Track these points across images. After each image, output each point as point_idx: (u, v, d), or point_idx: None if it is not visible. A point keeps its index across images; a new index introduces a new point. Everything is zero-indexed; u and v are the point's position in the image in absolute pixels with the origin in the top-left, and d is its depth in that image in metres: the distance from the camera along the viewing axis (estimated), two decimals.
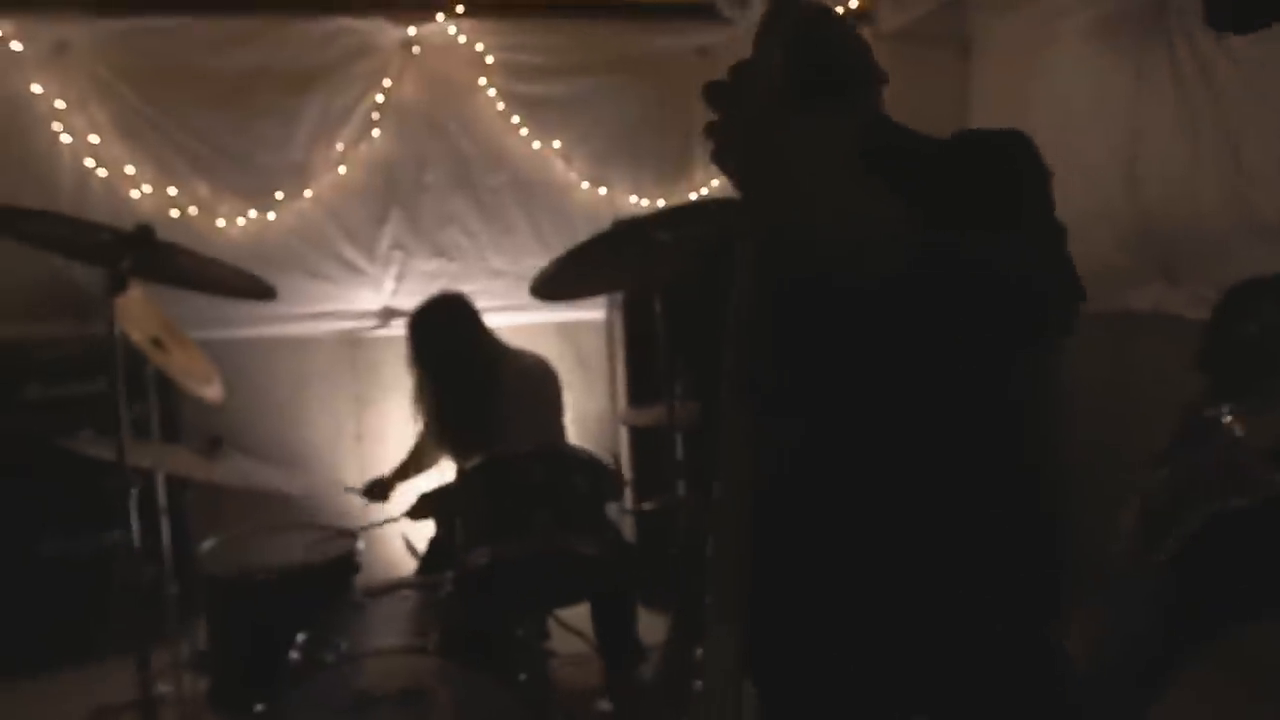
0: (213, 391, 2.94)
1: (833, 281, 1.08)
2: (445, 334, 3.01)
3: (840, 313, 1.15)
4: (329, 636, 2.18)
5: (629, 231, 2.24)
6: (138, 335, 2.64)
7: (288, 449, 4.11)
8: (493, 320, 4.03)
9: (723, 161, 1.04)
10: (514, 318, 3.79)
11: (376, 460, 4.20)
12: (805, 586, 1.23)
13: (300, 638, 2.29)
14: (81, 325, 3.90)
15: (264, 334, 4.07)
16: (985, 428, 1.24)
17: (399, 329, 4.14)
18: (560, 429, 3.01)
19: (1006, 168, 1.26)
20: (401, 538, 4.06)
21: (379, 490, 3.16)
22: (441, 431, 3.02)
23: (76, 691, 3.31)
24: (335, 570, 2.72)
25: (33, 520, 3.51)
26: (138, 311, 2.81)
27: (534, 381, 3.02)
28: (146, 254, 1.86)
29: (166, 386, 3.37)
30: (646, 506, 2.21)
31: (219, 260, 2.16)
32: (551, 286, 2.48)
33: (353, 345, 4.19)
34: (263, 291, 2.05)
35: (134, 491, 1.91)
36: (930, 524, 1.22)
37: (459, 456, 2.98)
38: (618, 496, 2.24)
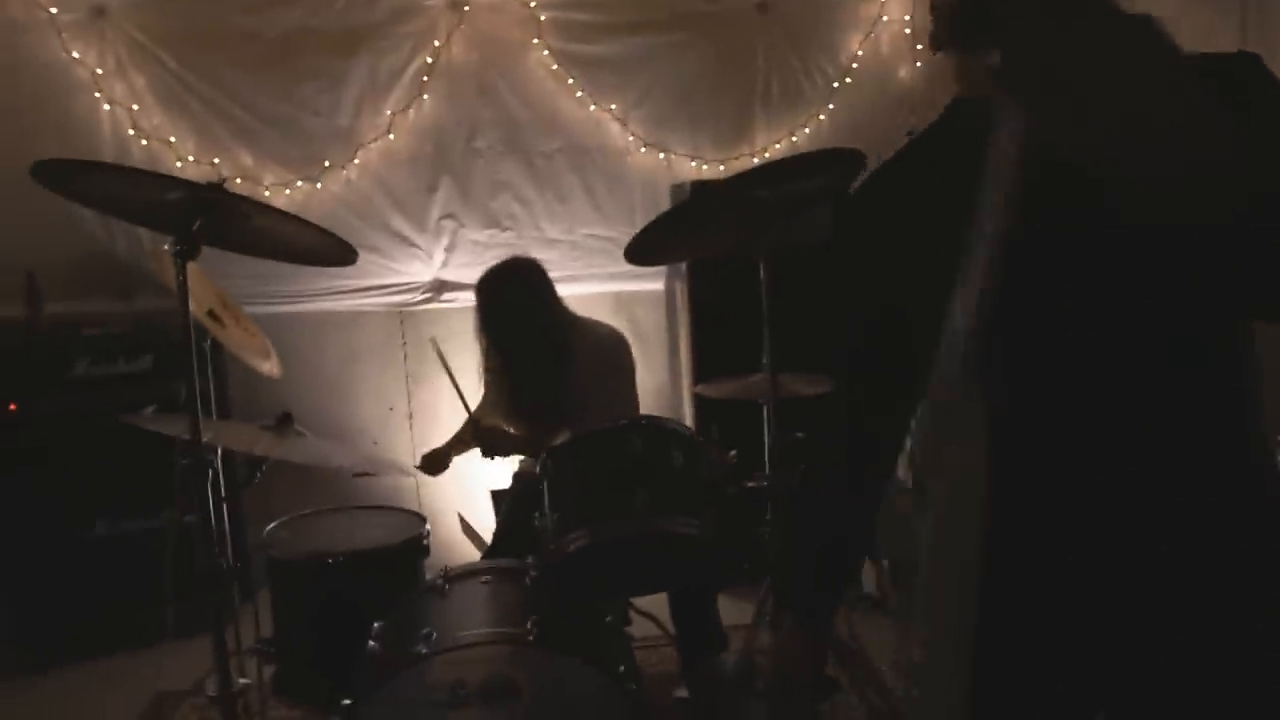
0: (270, 366, 2.80)
1: (1120, 228, 0.88)
2: (518, 300, 2.83)
3: (1114, 264, 0.95)
4: (409, 625, 2.04)
5: (730, 188, 2.06)
6: (194, 308, 2.50)
7: (336, 427, 3.98)
8: None
9: (999, 44, 0.75)
10: (569, 289, 3.59)
11: (428, 439, 4.05)
12: (1039, 578, 1.06)
13: (377, 625, 2.15)
14: (127, 303, 3.80)
15: (310, 309, 3.93)
16: (1225, 406, 1.05)
17: (450, 302, 4.02)
18: (635, 402, 2.85)
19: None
20: (458, 518, 3.94)
21: (435, 463, 3.01)
22: (510, 403, 2.85)
23: (134, 676, 3.21)
24: (405, 553, 2.59)
25: (86, 501, 3.40)
26: (193, 283, 2.66)
27: (608, 352, 2.85)
28: (219, 214, 1.69)
29: (214, 363, 3.25)
30: (751, 485, 2.04)
31: (301, 219, 1.91)
32: (648, 250, 2.29)
33: (402, 319, 4.04)
34: (346, 255, 1.88)
35: (211, 472, 1.76)
36: (1166, 513, 1.04)
37: (529, 429, 2.83)
38: (719, 473, 2.07)
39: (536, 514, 2.42)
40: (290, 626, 2.57)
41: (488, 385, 2.95)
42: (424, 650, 1.75)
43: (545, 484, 2.06)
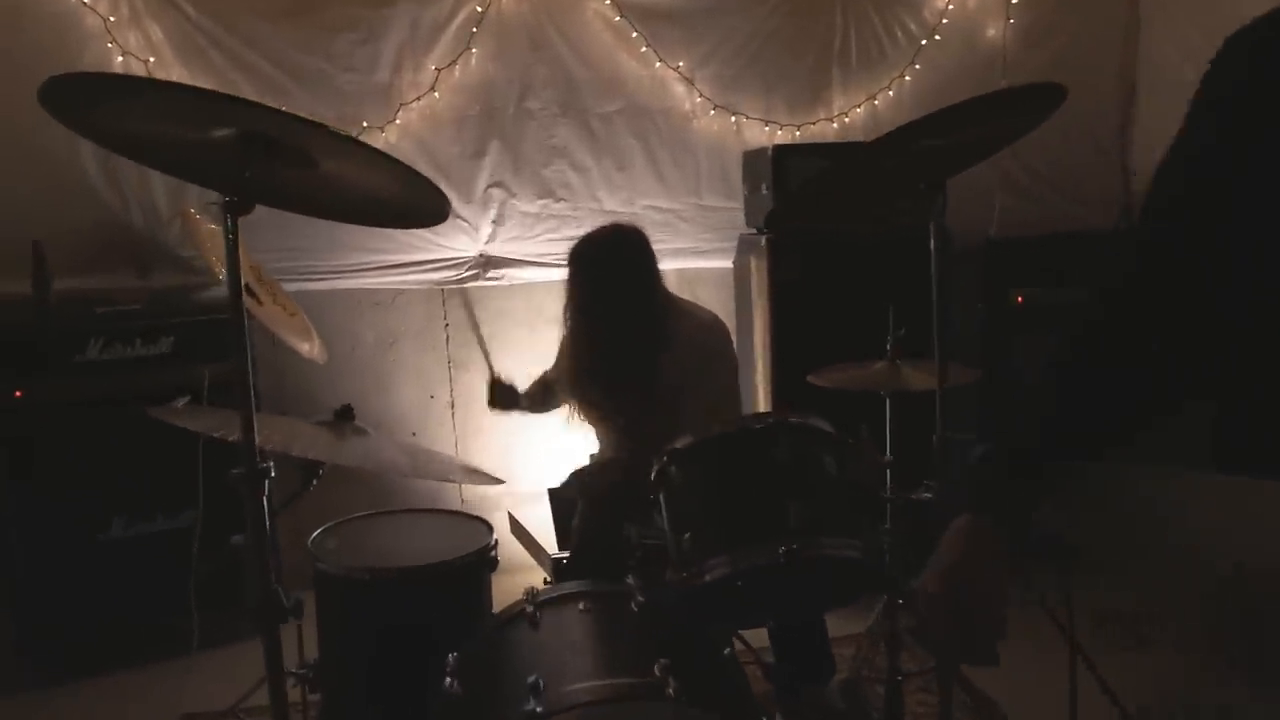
0: (311, 348, 2.44)
1: None
2: (625, 269, 2.47)
3: None
4: (499, 664, 1.69)
5: (896, 138, 1.69)
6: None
7: (372, 416, 3.63)
8: None
9: None
10: None
11: (470, 429, 3.72)
12: None
13: (454, 659, 1.79)
14: (143, 279, 3.44)
15: (343, 286, 3.58)
16: None
17: (497, 280, 3.65)
18: (738, 395, 2.50)
19: None
20: (508, 517, 3.59)
21: (504, 396, 2.78)
22: (602, 388, 2.48)
23: (155, 694, 2.89)
24: (472, 568, 2.23)
25: (99, 499, 3.06)
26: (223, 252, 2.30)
27: (710, 336, 2.52)
28: (279, 156, 1.32)
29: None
30: (917, 496, 1.66)
31: (388, 156, 1.41)
32: (795, 210, 1.92)
33: (445, 298, 3.68)
34: (437, 206, 1.48)
35: (267, 482, 1.40)
36: None
37: (615, 413, 2.48)
38: (876, 480, 1.71)
39: (633, 527, 2.07)
40: (340, 651, 2.22)
41: (566, 358, 2.59)
42: (537, 709, 1.39)
43: (664, 493, 1.69)
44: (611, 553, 2.22)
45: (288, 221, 3.49)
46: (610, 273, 2.46)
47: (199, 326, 3.14)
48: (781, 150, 3.24)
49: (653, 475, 1.72)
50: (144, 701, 2.89)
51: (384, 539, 2.34)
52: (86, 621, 3.03)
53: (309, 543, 2.25)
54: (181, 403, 1.82)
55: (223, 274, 2.19)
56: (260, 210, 3.51)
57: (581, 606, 1.81)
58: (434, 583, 2.17)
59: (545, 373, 2.72)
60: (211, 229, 2.30)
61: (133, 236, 3.37)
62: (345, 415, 1.76)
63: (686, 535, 1.55)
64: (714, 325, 2.58)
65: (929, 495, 1.61)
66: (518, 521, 3.50)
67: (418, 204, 1.48)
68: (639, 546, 2.13)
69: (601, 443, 2.73)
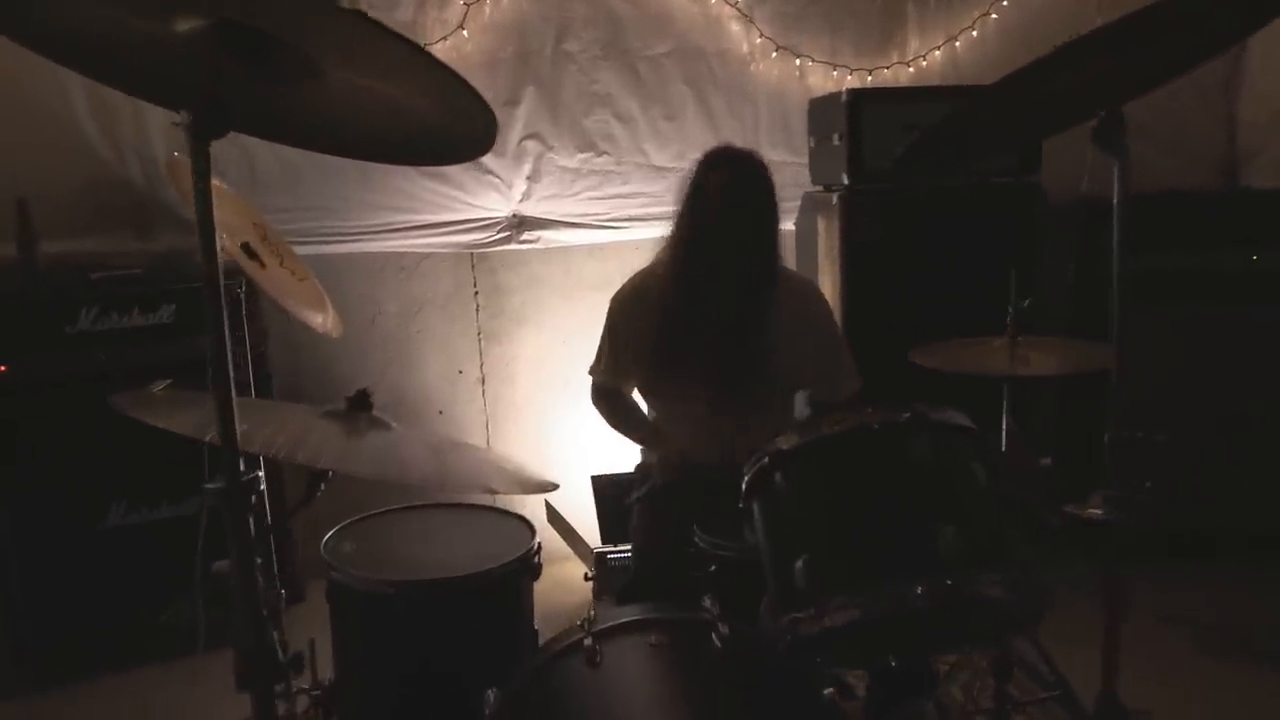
0: (325, 320, 2.10)
1: None
2: (759, 198, 2.08)
3: None
4: (551, 712, 1.36)
5: (1054, 62, 1.31)
6: (227, 242, 1.81)
7: (393, 393, 3.32)
8: (657, 232, 3.17)
9: None
10: None
11: (502, 407, 3.39)
12: None
13: (494, 697, 1.47)
14: (143, 241, 3.12)
15: (362, 249, 3.24)
16: None
17: (532, 243, 3.30)
18: (853, 369, 2.17)
19: None
20: (545, 506, 3.27)
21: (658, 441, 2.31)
22: (700, 342, 2.10)
23: (157, 698, 2.61)
24: (511, 578, 1.90)
25: (94, 484, 2.76)
26: (223, 208, 1.96)
27: (816, 302, 2.23)
28: (262, 61, 0.97)
29: (249, 317, 2.55)
30: (1087, 514, 1.29)
31: (420, 53, 1.02)
32: (924, 157, 1.55)
33: (475, 263, 3.33)
34: (480, 133, 1.11)
35: (254, 497, 1.07)
36: None
37: (707, 388, 2.11)
38: (1036, 492, 1.35)
39: (703, 535, 1.73)
40: (359, 674, 1.91)
41: (653, 307, 2.16)
42: None
43: (761, 504, 1.34)
44: (678, 564, 1.88)
45: (301, 177, 3.20)
46: (745, 199, 2.07)
47: (195, 295, 2.83)
48: (857, 95, 2.84)
49: (746, 480, 1.37)
50: (143, 706, 2.61)
51: (408, 541, 2.01)
52: (81, 617, 2.75)
53: (322, 546, 1.93)
54: (159, 387, 1.47)
55: (224, 242, 1.86)
56: (270, 164, 3.17)
57: (652, 640, 1.48)
58: (468, 597, 1.84)
59: (606, 367, 2.31)
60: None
61: (130, 193, 3.04)
62: (360, 404, 1.42)
63: (798, 563, 1.20)
64: (815, 291, 2.29)
65: (1101, 513, 1.25)
66: (556, 511, 3.18)
67: (458, 127, 1.11)
68: (713, 558, 1.79)
69: (665, 434, 2.36)
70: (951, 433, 1.27)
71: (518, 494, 1.53)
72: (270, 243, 2.06)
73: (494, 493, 1.41)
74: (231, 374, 1.04)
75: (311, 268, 3.21)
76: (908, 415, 1.24)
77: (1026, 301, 1.86)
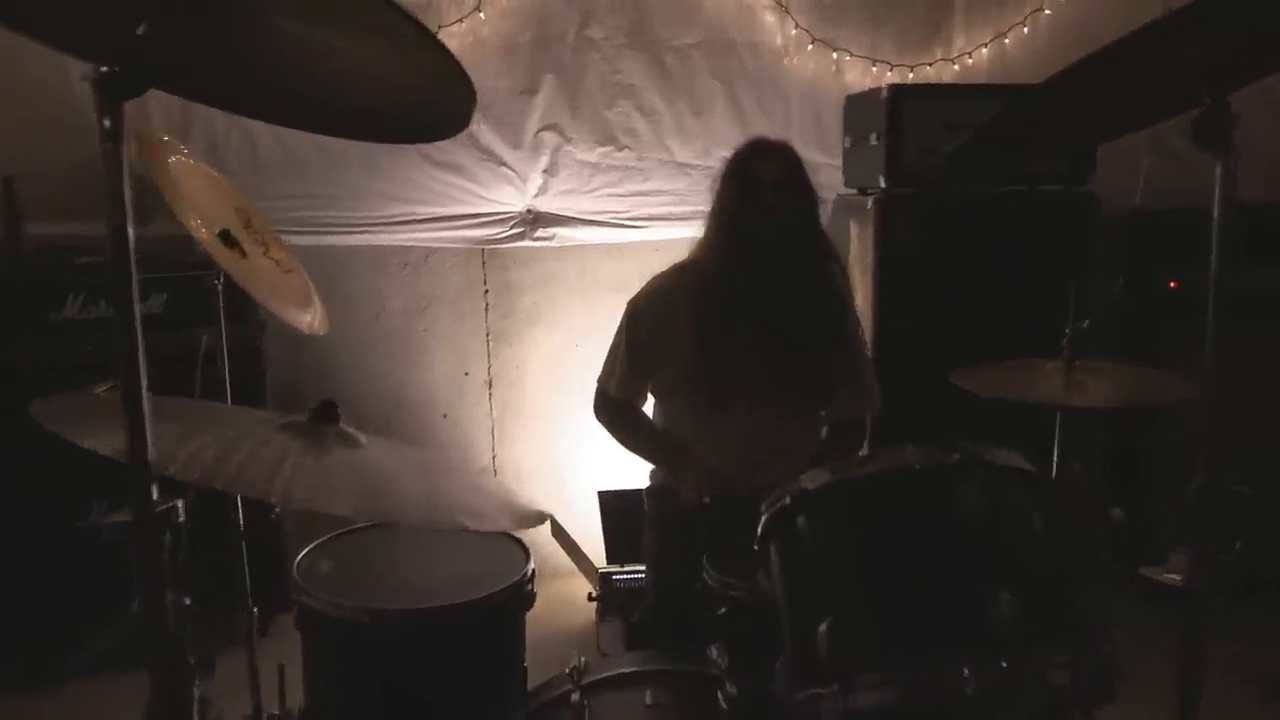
0: (311, 319, 1.93)
1: None
2: (802, 190, 2.00)
3: None
4: None
5: (1147, 38, 1.11)
6: (197, 225, 1.64)
7: (394, 395, 3.16)
8: (678, 232, 2.99)
9: None
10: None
11: (511, 412, 3.22)
12: None
13: None
14: (141, 225, 2.97)
15: (367, 242, 3.07)
16: None
17: (547, 240, 3.12)
18: (874, 386, 2.01)
19: None
20: (549, 521, 3.09)
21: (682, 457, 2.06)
22: (747, 353, 1.97)
23: (137, 705, 2.44)
24: (502, 606, 1.72)
25: (77, 480, 2.61)
26: (195, 186, 1.80)
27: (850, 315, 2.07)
28: (193, 6, 0.79)
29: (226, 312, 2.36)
30: (1163, 578, 1.08)
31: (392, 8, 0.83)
32: (976, 159, 1.36)
33: (485, 259, 3.16)
34: (453, 109, 0.92)
35: (172, 531, 0.89)
36: None
37: (745, 391, 1.97)
38: (1105, 547, 1.15)
39: (712, 570, 1.54)
40: (328, 704, 1.73)
41: (688, 296, 2.01)
42: None
43: (779, 549, 1.15)
44: (686, 599, 1.70)
45: (306, 164, 3.05)
46: (799, 190, 2.00)
47: (197, 283, 2.67)
48: (899, 91, 2.64)
49: (763, 520, 1.18)
50: (124, 714, 2.45)
51: (391, 561, 1.83)
52: (59, 618, 2.60)
53: (295, 565, 1.76)
54: (103, 389, 1.31)
55: (199, 227, 1.69)
56: (273, 149, 3.00)
57: (648, 700, 1.29)
58: (452, 629, 1.67)
59: (622, 375, 2.14)
60: (183, 163, 1.80)
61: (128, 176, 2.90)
62: (325, 415, 1.24)
63: (822, 627, 1.01)
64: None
65: (1182, 580, 1.04)
66: (560, 525, 3.00)
67: (429, 97, 0.92)
68: (722, 598, 1.60)
69: (687, 451, 2.17)
70: (1008, 477, 1.07)
71: (504, 530, 1.34)
72: (255, 230, 1.89)
73: (472, 530, 1.22)
74: (144, 379, 0.87)
75: (314, 259, 3.05)
76: (957, 456, 1.04)
77: (1086, 322, 1.65)
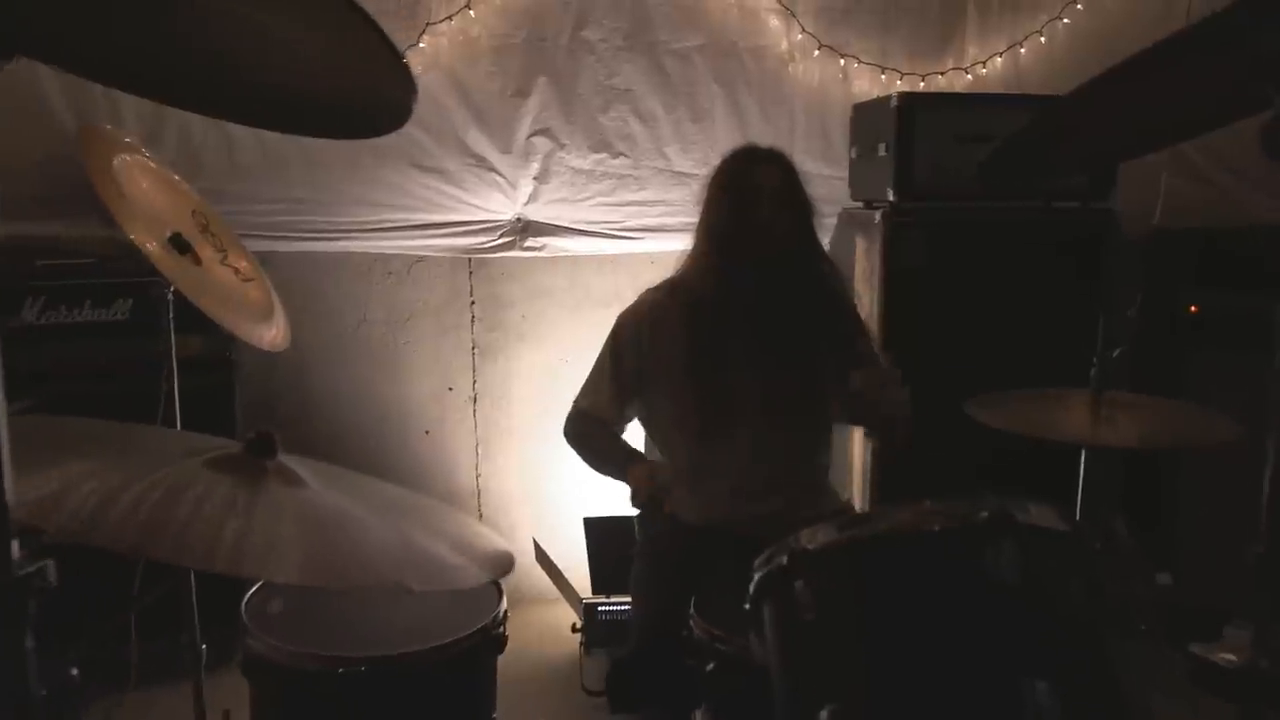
0: (274, 334, 1.78)
1: None
2: (794, 191, 1.86)
3: None
4: None
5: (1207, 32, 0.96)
6: (142, 232, 1.49)
7: (374, 410, 3.01)
8: (674, 244, 2.84)
9: None
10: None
11: (497, 430, 3.07)
12: None
13: None
14: (109, 228, 2.82)
15: (349, 249, 2.93)
16: None
17: (537, 250, 2.98)
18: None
19: None
20: (533, 544, 2.94)
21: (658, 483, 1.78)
22: (749, 368, 1.84)
23: None
24: (470, 654, 1.57)
25: None
26: (146, 186, 1.65)
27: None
28: None
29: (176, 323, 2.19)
30: (1225, 659, 0.92)
31: None
32: (1020, 158, 1.21)
33: (472, 270, 3.01)
34: (388, 100, 0.78)
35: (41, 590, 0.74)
36: None
37: (746, 417, 1.83)
38: (1144, 616, 0.99)
39: (697, 619, 1.39)
40: None
41: (681, 316, 1.87)
42: None
43: (773, 616, 1.00)
44: (672, 649, 1.55)
45: (284, 168, 2.89)
46: (799, 197, 1.88)
47: (165, 288, 2.54)
48: (911, 100, 2.50)
49: (756, 581, 1.03)
50: None
51: (349, 600, 1.68)
52: None
53: (243, 604, 1.60)
54: (13, 409, 1.15)
55: (141, 231, 1.54)
56: (252, 150, 2.85)
57: None
58: (412, 678, 1.51)
59: (608, 395, 1.98)
60: (134, 161, 1.65)
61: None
62: (261, 448, 1.09)
63: (823, 714, 0.85)
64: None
65: (1239, 660, 0.89)
66: (544, 552, 2.86)
67: (360, 87, 0.78)
68: (710, 652, 1.45)
69: (660, 467, 2.02)
70: (1044, 540, 0.92)
71: (468, 585, 1.17)
72: (213, 235, 1.75)
73: (428, 589, 1.06)
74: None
75: (293, 266, 2.94)
76: (984, 514, 0.89)
77: (1117, 352, 1.50)
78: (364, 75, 0.78)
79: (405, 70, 0.75)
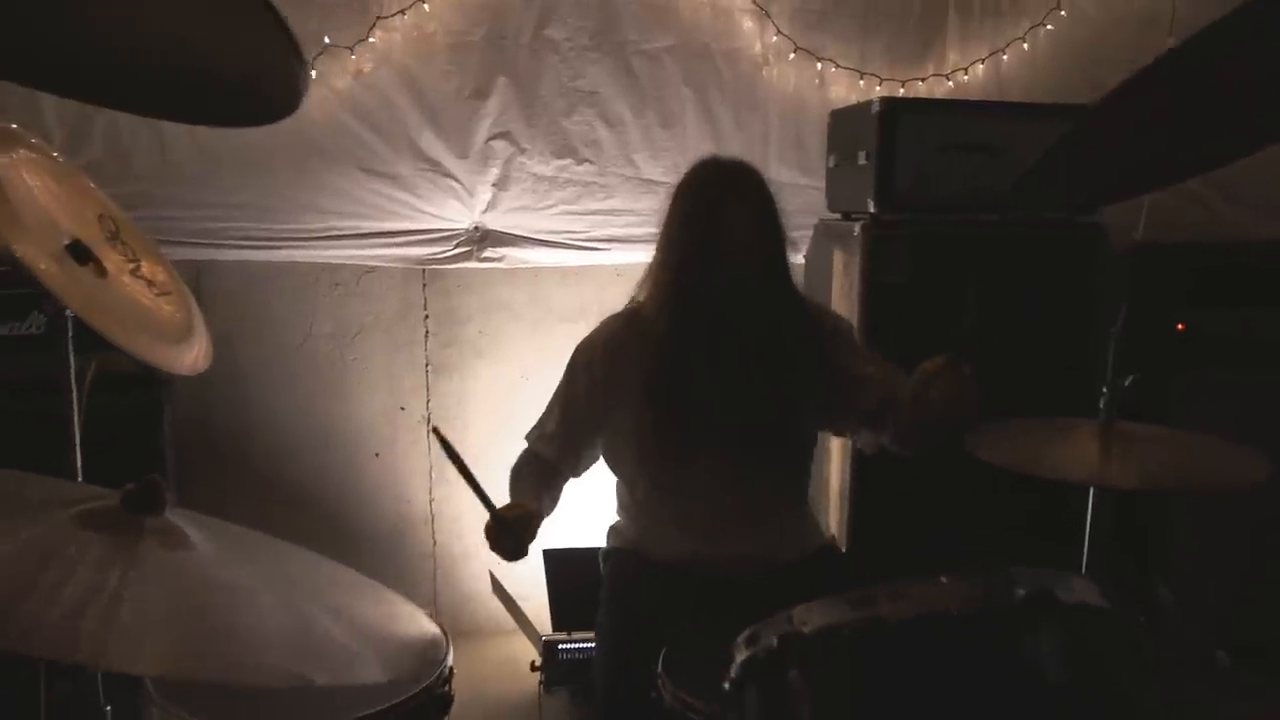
0: (194, 356, 1.58)
1: None
2: (767, 214, 1.66)
3: None
4: None
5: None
6: (25, 240, 1.29)
7: (320, 432, 2.81)
8: (642, 256, 2.67)
9: None
10: None
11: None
12: None
13: None
14: None
15: (291, 259, 2.74)
16: None
17: (495, 261, 2.80)
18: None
19: None
20: (489, 576, 2.75)
21: (520, 529, 1.62)
22: (720, 398, 1.66)
23: None
24: (415, 717, 1.39)
25: None
26: (41, 186, 1.44)
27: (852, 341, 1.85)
28: None
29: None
30: None
31: None
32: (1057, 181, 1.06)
33: (426, 282, 2.83)
34: (276, 81, 0.62)
35: None
36: None
37: (728, 443, 1.68)
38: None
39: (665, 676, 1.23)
40: None
41: (650, 347, 1.69)
42: None
43: (762, 703, 0.83)
44: (639, 699, 1.38)
45: (220, 168, 2.68)
46: (774, 215, 1.68)
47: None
48: (893, 105, 2.36)
49: (739, 664, 0.86)
50: None
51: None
52: None
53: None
54: None
55: (13, 242, 1.34)
56: (186, 150, 2.62)
57: None
58: None
59: (559, 433, 1.80)
60: (26, 159, 1.45)
61: None
62: (142, 502, 0.90)
63: None
64: (847, 326, 1.89)
65: None
66: (501, 585, 2.67)
67: (245, 68, 0.61)
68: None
69: (642, 524, 1.86)
70: (1090, 620, 0.76)
71: (385, 679, 0.98)
72: (124, 243, 1.55)
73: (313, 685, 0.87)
74: None
75: (232, 276, 2.73)
76: (1022, 593, 0.73)
77: (1129, 379, 1.36)
78: (250, 57, 0.61)
79: (297, 55, 0.58)
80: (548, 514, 1.75)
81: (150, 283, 1.58)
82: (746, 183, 1.69)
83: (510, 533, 1.58)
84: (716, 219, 1.63)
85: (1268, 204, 3.14)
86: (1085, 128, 1.00)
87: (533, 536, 1.64)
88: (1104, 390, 1.37)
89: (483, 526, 1.62)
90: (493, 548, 1.62)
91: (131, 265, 1.55)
